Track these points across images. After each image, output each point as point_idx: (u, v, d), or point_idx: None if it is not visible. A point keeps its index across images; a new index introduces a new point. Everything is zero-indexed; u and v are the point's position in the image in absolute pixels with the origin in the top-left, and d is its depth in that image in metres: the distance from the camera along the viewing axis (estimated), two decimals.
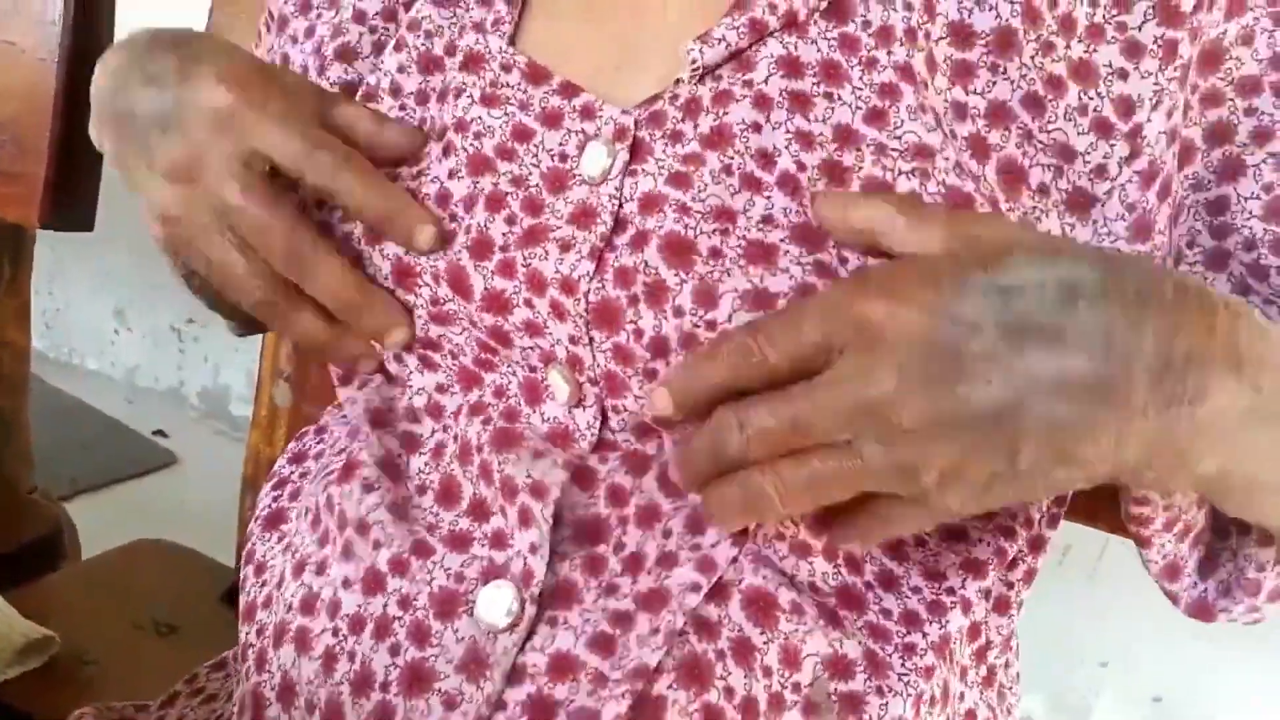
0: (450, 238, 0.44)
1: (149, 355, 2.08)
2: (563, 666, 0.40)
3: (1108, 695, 1.36)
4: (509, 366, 0.44)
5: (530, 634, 0.40)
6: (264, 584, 0.48)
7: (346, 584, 0.44)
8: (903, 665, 0.41)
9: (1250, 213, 0.42)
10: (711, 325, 0.39)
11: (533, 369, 0.43)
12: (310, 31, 0.52)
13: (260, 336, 0.84)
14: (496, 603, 0.41)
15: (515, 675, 0.40)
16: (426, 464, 0.46)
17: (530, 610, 0.40)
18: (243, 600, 0.48)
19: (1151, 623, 1.23)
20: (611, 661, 0.39)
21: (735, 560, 0.41)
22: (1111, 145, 0.40)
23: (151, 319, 2.05)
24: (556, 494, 0.41)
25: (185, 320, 1.99)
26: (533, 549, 0.41)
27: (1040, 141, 0.40)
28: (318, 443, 0.53)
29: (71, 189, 0.82)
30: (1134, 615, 1.26)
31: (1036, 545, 0.47)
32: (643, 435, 0.42)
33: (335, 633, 0.43)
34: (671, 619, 0.39)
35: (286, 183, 0.45)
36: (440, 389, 0.46)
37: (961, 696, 0.47)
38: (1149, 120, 0.40)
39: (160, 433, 1.91)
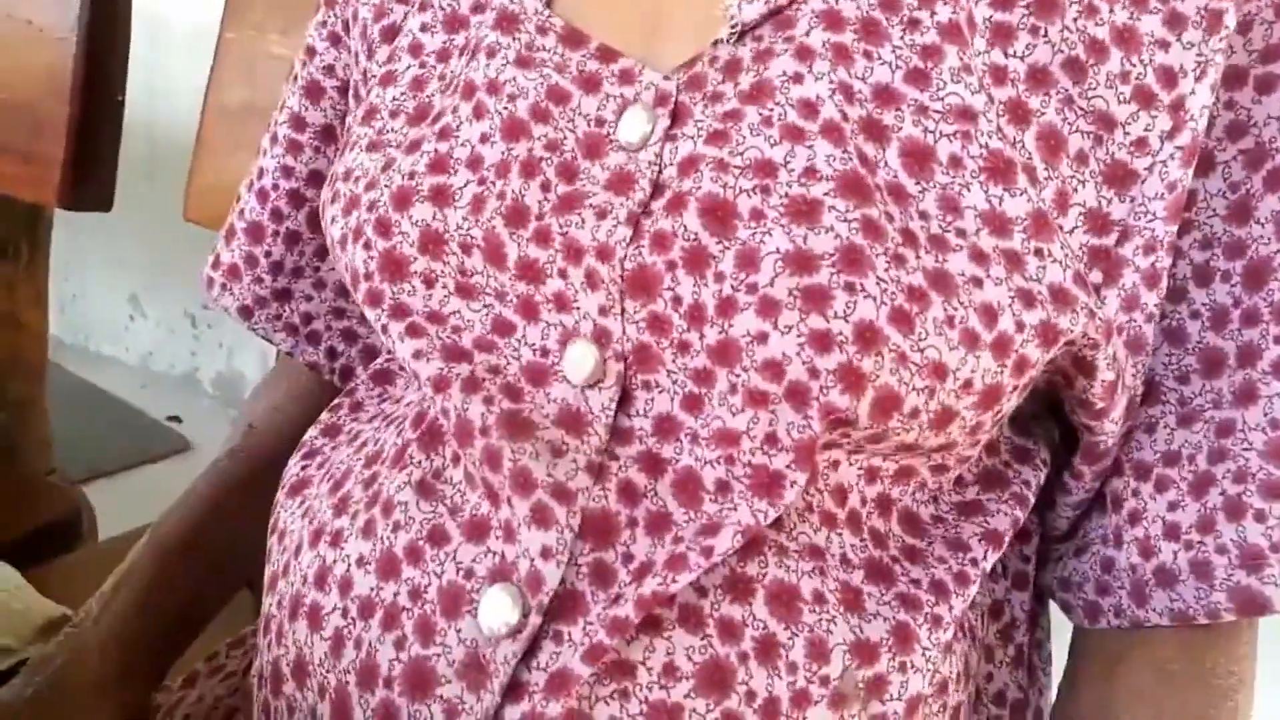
0: (483, 205, 0.42)
1: (163, 341, 2.08)
2: (561, 686, 0.38)
3: None
4: (514, 348, 0.42)
5: (534, 646, 0.38)
6: (284, 551, 0.47)
7: (361, 562, 0.42)
8: (928, 639, 0.40)
9: (1214, 211, 0.42)
10: (752, 288, 0.37)
11: (544, 351, 0.41)
12: (355, 16, 0.52)
13: None
14: (499, 607, 0.39)
15: (515, 691, 0.38)
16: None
17: (535, 620, 0.38)
18: (267, 571, 0.48)
19: None
20: (604, 664, 0.38)
21: (760, 555, 0.40)
22: (1153, 117, 0.39)
23: (166, 305, 2.06)
24: (583, 501, 0.39)
25: (200, 306, 2.00)
26: (545, 554, 0.39)
27: (1080, 107, 0.39)
28: (352, 419, 0.52)
29: (90, 169, 0.82)
30: None
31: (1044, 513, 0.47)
32: (662, 430, 0.39)
33: (345, 614, 0.42)
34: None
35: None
36: (417, 355, 0.43)
37: (990, 677, 0.46)
38: (1192, 93, 0.39)
39: (175, 418, 1.92)
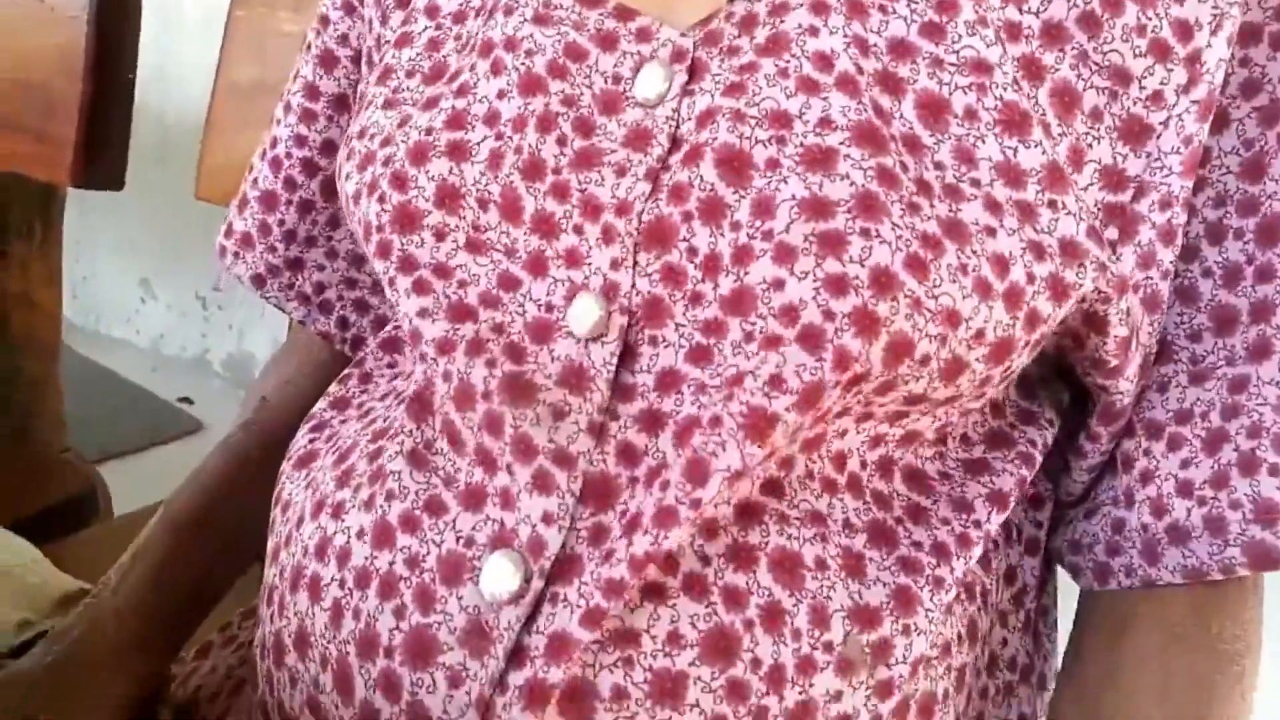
0: (500, 160, 0.42)
1: (174, 324, 2.09)
2: (561, 649, 0.38)
3: None
4: (519, 304, 0.42)
5: (535, 611, 0.39)
6: (287, 522, 0.47)
7: (360, 534, 0.42)
8: (930, 600, 0.40)
9: (1227, 168, 0.42)
10: (768, 235, 0.37)
11: (549, 307, 0.41)
12: None
13: None
14: (501, 573, 0.39)
15: (517, 656, 0.38)
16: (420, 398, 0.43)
17: (538, 585, 0.39)
18: (270, 542, 0.48)
19: None
20: (605, 631, 0.38)
21: (762, 524, 0.40)
22: (1169, 70, 0.39)
23: (176, 288, 2.07)
24: (584, 465, 0.39)
25: (210, 289, 2.00)
26: (547, 519, 0.39)
27: (1095, 63, 0.39)
28: (361, 391, 0.53)
29: (101, 148, 0.83)
30: None
31: (1058, 479, 0.47)
32: (664, 384, 0.39)
33: (342, 584, 0.42)
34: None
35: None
36: (423, 313, 0.43)
37: (1004, 642, 0.47)
38: (1209, 45, 0.39)
39: (186, 400, 1.93)
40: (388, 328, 0.55)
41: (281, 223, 0.58)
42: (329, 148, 0.57)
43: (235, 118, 0.83)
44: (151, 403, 1.92)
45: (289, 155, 0.58)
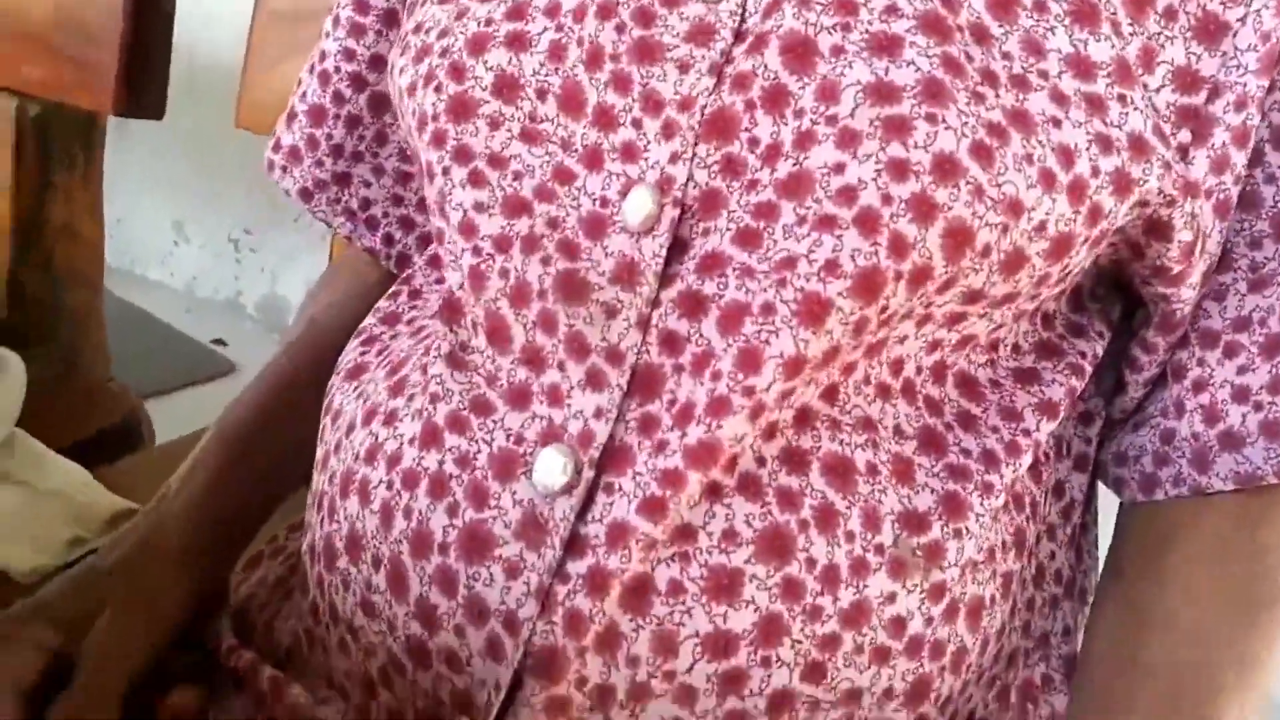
0: (562, 51, 0.42)
1: (208, 266, 2.11)
2: (618, 536, 0.39)
3: None
4: (573, 198, 0.41)
5: (589, 501, 0.39)
6: (337, 430, 0.48)
7: (412, 441, 0.43)
8: (980, 505, 0.41)
9: None
10: (832, 120, 0.38)
11: (604, 202, 0.41)
12: None
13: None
14: (553, 466, 0.40)
15: (576, 546, 0.39)
16: (464, 290, 0.43)
17: (588, 474, 0.39)
18: (320, 450, 0.49)
19: None
20: (664, 525, 0.39)
21: (814, 430, 0.40)
22: None
23: (210, 230, 2.08)
24: (633, 359, 0.40)
25: (243, 231, 2.02)
26: (598, 413, 0.40)
27: None
28: (411, 307, 0.53)
29: (143, 76, 0.83)
30: None
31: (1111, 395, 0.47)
32: (704, 267, 0.39)
33: (389, 486, 0.43)
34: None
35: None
36: (479, 207, 0.43)
37: (1052, 555, 0.47)
38: None
39: (219, 341, 1.95)
40: (434, 245, 0.55)
41: (329, 137, 0.59)
42: (377, 62, 0.57)
43: (276, 47, 0.83)
44: (186, 344, 1.94)
45: (337, 69, 0.58)
